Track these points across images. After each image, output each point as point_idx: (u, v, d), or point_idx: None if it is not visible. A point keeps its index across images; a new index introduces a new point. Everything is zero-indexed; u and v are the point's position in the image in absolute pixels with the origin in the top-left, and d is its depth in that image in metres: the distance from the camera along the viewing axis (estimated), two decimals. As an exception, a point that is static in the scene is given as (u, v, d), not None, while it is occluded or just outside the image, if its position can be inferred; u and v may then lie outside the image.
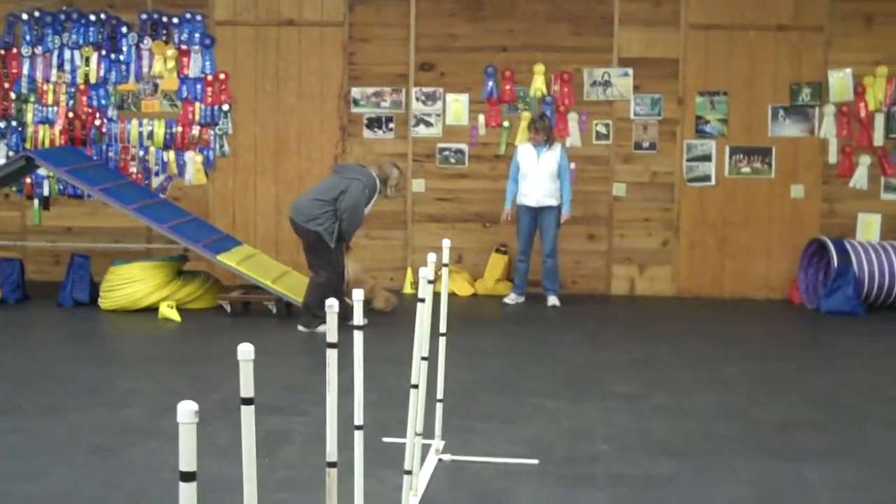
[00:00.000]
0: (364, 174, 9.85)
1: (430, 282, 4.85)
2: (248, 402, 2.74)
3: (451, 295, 11.86)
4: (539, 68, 12.11)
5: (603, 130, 12.17)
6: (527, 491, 5.49)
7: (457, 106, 12.31)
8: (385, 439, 6.08)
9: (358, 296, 3.91)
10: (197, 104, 12.52)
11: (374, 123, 12.45)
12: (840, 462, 6.06)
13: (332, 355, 3.48)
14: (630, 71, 12.06)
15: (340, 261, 9.68)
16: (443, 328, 5.81)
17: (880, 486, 5.63)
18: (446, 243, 5.76)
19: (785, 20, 11.88)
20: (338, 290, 9.46)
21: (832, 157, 11.90)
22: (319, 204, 9.60)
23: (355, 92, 12.42)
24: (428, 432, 5.86)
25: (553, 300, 11.36)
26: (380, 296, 10.61)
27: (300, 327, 9.69)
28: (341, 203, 9.59)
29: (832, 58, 11.85)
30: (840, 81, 11.82)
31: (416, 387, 4.62)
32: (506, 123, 12.23)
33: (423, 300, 4.60)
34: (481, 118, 12.27)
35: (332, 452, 3.48)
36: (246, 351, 2.76)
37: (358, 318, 3.97)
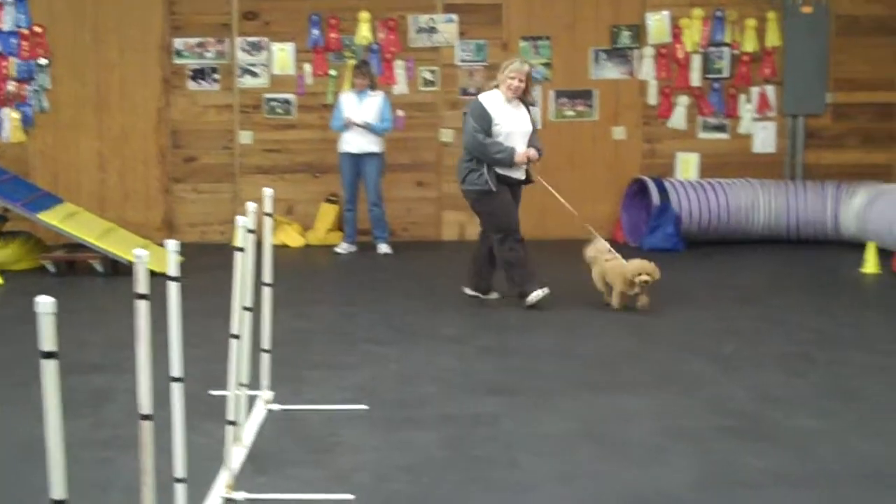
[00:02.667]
0: (471, 104, 8.74)
1: (249, 230, 4.81)
2: (49, 355, 2.69)
3: (283, 246, 11.81)
4: (364, 16, 12.07)
5: (429, 77, 12.22)
6: (356, 435, 5.53)
7: (282, 55, 12.19)
8: (212, 392, 6.03)
9: (171, 246, 3.85)
10: (12, 59, 12.09)
11: (199, 75, 12.23)
12: (660, 392, 6.27)
13: (141, 306, 3.43)
14: (455, 17, 12.12)
15: (508, 214, 8.63)
16: (268, 278, 5.77)
17: (698, 415, 5.84)
18: (268, 192, 5.70)
19: (603, -36, 12.08)
20: (522, 256, 8.69)
21: (652, 99, 12.20)
22: (462, 160, 8.70)
23: (178, 43, 12.17)
24: (257, 383, 5.85)
25: (384, 248, 11.41)
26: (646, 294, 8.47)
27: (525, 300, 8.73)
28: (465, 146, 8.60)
29: (650, 1, 12.11)
30: (658, 24, 12.10)
31: (236, 337, 4.59)
32: (333, 72, 12.17)
33: (241, 249, 4.56)
34: (308, 67, 12.18)
35: (144, 405, 3.44)
36: (45, 304, 2.70)
37: (172, 269, 3.92)
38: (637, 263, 8.35)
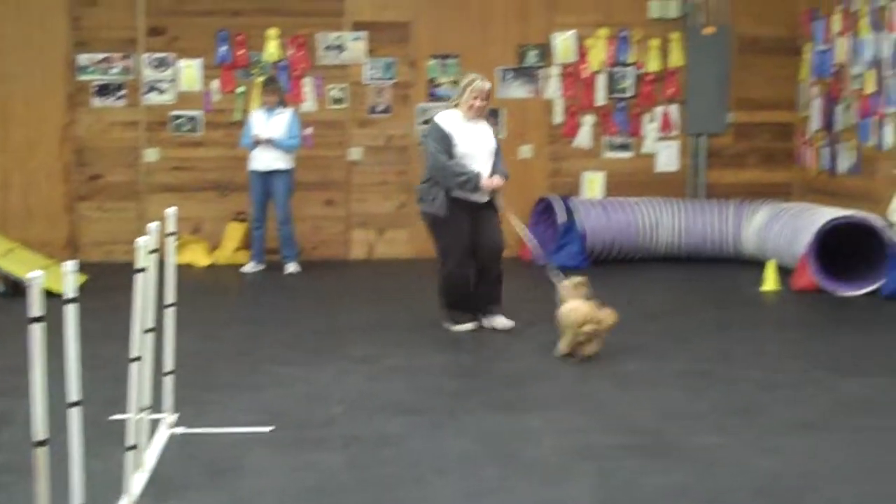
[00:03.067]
0: (429, 126, 8.46)
1: (151, 251, 4.78)
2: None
3: (189, 266, 11.70)
4: (272, 32, 12.05)
5: (338, 95, 12.22)
6: (260, 458, 5.50)
7: (189, 72, 12.10)
8: (113, 417, 5.95)
9: (68, 267, 3.81)
10: None
11: (104, 91, 12.09)
12: (562, 411, 6.33)
13: (35, 329, 3.39)
14: (363, 35, 12.14)
15: (457, 242, 8.22)
16: (171, 299, 5.72)
17: (601, 434, 5.91)
18: (170, 211, 5.66)
19: (511, -16, 12.20)
20: (458, 285, 8.36)
21: (557, 118, 12.33)
22: (421, 181, 8.41)
23: (82, 58, 12.02)
24: (159, 406, 5.79)
25: (291, 267, 11.36)
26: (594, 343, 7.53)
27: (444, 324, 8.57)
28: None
29: (556, 20, 12.26)
30: (564, 43, 12.25)
31: (137, 359, 4.55)
32: (240, 89, 12.11)
33: (141, 270, 4.52)
34: (215, 84, 12.11)
35: (38, 431, 3.40)
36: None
37: (69, 290, 3.88)
38: (584, 311, 7.36)
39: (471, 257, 8.27)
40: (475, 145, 8.15)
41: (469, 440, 5.80)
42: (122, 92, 12.09)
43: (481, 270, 8.35)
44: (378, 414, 6.28)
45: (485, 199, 8.23)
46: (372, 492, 5.04)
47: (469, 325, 8.37)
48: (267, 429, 5.95)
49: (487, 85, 8.22)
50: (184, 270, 11.34)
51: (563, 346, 7.50)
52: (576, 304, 7.44)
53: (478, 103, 8.12)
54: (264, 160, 11.17)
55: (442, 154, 8.03)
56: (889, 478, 5.23)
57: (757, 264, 10.87)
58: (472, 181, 8.03)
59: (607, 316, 7.42)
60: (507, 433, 5.90)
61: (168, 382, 5.86)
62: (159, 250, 5.11)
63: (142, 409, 4.92)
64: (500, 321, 8.42)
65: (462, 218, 8.15)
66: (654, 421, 6.10)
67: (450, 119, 8.16)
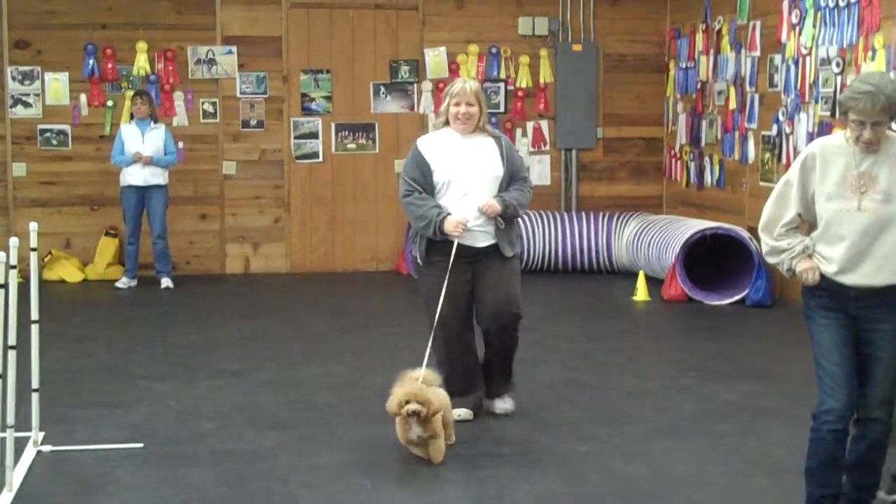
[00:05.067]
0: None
1: (12, 266, 4.70)
2: None
3: (61, 281, 11.49)
4: (141, 46, 11.90)
5: (210, 109, 12.13)
6: (130, 475, 5.44)
7: (56, 85, 11.89)
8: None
9: None
10: None
11: (-33, 105, 11.79)
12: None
13: None
14: (234, 49, 12.08)
15: (436, 299, 6.15)
16: (35, 315, 5.63)
17: (471, 442, 5.97)
18: (33, 226, 5.57)
19: (381, -1, 12.27)
20: (444, 354, 6.38)
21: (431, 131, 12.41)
22: None
23: (-56, 72, 11.72)
24: (26, 424, 5.69)
25: (166, 282, 11.23)
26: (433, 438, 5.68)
27: None
28: None
29: (427, 36, 12.36)
30: (435, 59, 12.35)
31: (1, 377, 4.48)
32: (110, 103, 11.94)
33: (2, 286, 4.45)
34: (83, 98, 11.91)
35: None
36: None
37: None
38: (405, 388, 5.66)
39: (466, 320, 6.39)
40: (463, 170, 6.18)
41: (341, 453, 5.82)
42: (-12, 105, 11.82)
43: (485, 340, 6.50)
44: (250, 428, 6.26)
45: (482, 242, 6.25)
46: (243, 506, 5.03)
47: (462, 413, 6.30)
48: (137, 445, 5.88)
49: (471, 85, 6.24)
50: (55, 286, 11.18)
51: (402, 439, 5.71)
52: (395, 389, 5.72)
53: (462, 109, 6.15)
54: (141, 176, 11.02)
55: (410, 187, 6.21)
56: (750, 480, 5.40)
57: (629, 275, 11.09)
58: (432, 224, 6.11)
59: (432, 395, 5.63)
60: (380, 445, 5.92)
61: (34, 400, 5.75)
62: (23, 265, 5.03)
63: (6, 427, 4.83)
64: (498, 404, 6.52)
65: (443, 269, 6.16)
66: (524, 430, 6.19)
67: (435, 140, 6.28)
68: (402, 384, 5.70)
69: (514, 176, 6.30)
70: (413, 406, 5.53)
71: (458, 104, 6.18)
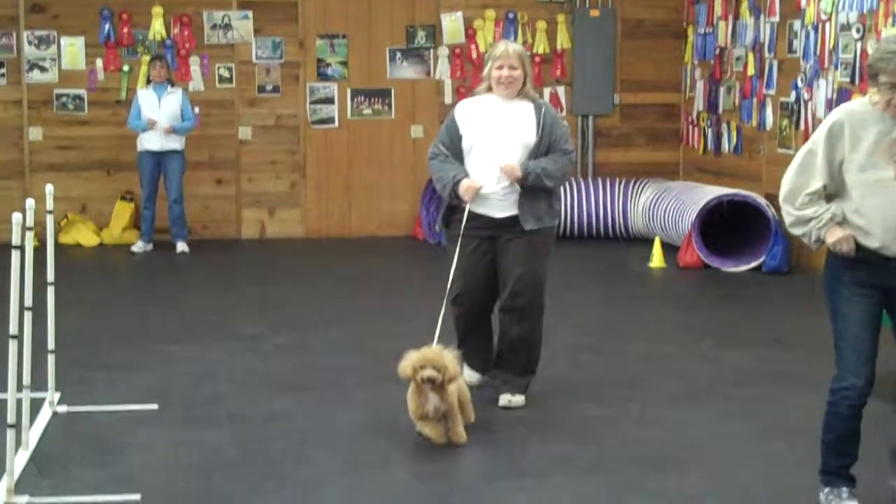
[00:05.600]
0: None
1: (28, 229, 4.71)
2: None
3: (77, 245, 11.51)
4: (157, 10, 11.87)
5: (226, 74, 12.10)
6: (145, 436, 5.46)
7: (72, 50, 11.87)
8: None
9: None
10: None
11: (-16, 69, 11.80)
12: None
13: None
14: (250, 14, 12.03)
15: (459, 271, 5.90)
16: (51, 276, 5.64)
17: (487, 406, 5.96)
18: (49, 188, 5.57)
19: (398, -36, 12.19)
20: (457, 321, 6.08)
21: (447, 98, 12.36)
22: None
23: (-39, 36, 11.71)
24: (42, 385, 5.71)
25: (182, 246, 11.24)
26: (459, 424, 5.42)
27: None
28: None
29: (444, 1, 12.29)
30: (452, 24, 12.28)
31: (15, 337, 4.48)
32: (125, 68, 11.92)
33: (17, 247, 4.44)
34: (99, 62, 11.89)
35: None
36: None
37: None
38: (420, 352, 5.31)
39: (483, 300, 6.06)
40: (491, 136, 5.87)
41: (357, 416, 5.82)
42: (3, 70, 11.81)
43: (500, 327, 6.08)
44: (266, 391, 6.27)
45: (501, 213, 5.87)
46: (257, 468, 5.04)
47: (470, 375, 6.10)
48: (152, 407, 5.90)
49: (514, 48, 5.92)
50: (71, 250, 11.21)
51: (414, 417, 5.39)
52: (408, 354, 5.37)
53: (504, 73, 5.84)
54: (158, 141, 11.03)
55: (437, 150, 5.98)
56: (765, 445, 5.39)
57: (645, 241, 11.05)
58: (447, 186, 5.85)
59: (449, 359, 5.29)
60: (395, 408, 5.91)
61: (50, 361, 5.77)
62: (39, 229, 5.03)
63: (22, 388, 4.84)
64: (505, 398, 5.97)
65: (466, 239, 5.88)
66: (538, 394, 6.17)
67: (473, 105, 6.01)
68: (410, 355, 5.32)
69: (552, 146, 5.87)
70: (429, 372, 5.18)
71: (500, 67, 5.85)
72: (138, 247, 11.28)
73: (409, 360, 5.28)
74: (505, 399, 5.96)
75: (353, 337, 7.63)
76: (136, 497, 4.63)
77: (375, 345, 7.37)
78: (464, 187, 5.78)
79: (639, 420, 5.78)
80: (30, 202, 4.87)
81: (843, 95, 9.26)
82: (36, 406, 5.51)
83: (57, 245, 5.60)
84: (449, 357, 5.29)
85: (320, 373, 6.68)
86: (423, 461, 5.16)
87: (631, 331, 7.88)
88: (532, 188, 5.80)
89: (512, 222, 5.84)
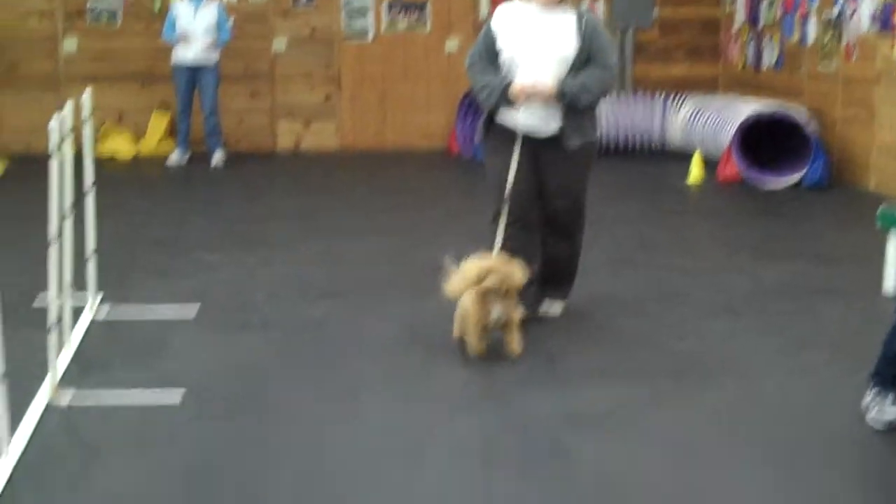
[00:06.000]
0: None
1: (67, 134, 4.70)
2: None
3: (113, 157, 11.53)
4: (192, -81, 11.73)
5: (261, -15, 12.01)
6: (184, 339, 5.50)
7: (107, -40, 11.79)
8: (38, 304, 5.88)
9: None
10: None
11: (19, -22, 11.75)
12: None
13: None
14: (286, -77, 11.91)
15: (497, 179, 5.64)
16: (90, 179, 5.65)
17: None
18: (86, 95, 5.55)
19: None
20: (504, 227, 5.57)
21: (483, 12, 12.21)
22: None
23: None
24: (83, 288, 5.74)
25: (217, 158, 11.24)
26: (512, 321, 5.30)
27: None
28: None
29: (483, -90, 12.11)
30: (490, -66, 12.11)
31: (55, 241, 4.49)
32: (162, -22, 11.86)
33: (55, 151, 4.44)
34: (134, -28, 11.83)
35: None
36: None
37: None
38: (479, 265, 5.18)
39: (530, 205, 5.70)
40: (528, 48, 5.52)
41: (393, 325, 5.82)
42: (39, -20, 11.78)
43: (541, 240, 5.81)
44: (300, 299, 6.28)
45: (543, 129, 5.59)
46: (294, 371, 5.08)
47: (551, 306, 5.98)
48: (191, 312, 5.93)
49: None
50: (108, 162, 11.22)
51: (472, 335, 5.25)
52: (465, 266, 5.27)
53: None
54: (192, 53, 10.97)
55: (475, 57, 5.66)
56: (804, 357, 5.36)
57: (684, 156, 10.94)
58: (493, 95, 5.52)
59: (510, 269, 5.19)
60: (432, 318, 5.91)
61: (91, 265, 5.80)
62: (77, 136, 5.02)
63: (63, 291, 4.87)
64: (544, 307, 5.92)
65: (505, 148, 5.60)
66: (576, 305, 6.14)
67: (510, 13, 5.63)
68: (473, 263, 5.20)
69: (592, 58, 5.51)
70: (493, 280, 5.06)
71: None
72: (174, 159, 11.29)
73: (471, 271, 5.16)
74: (544, 309, 5.93)
75: (388, 248, 7.62)
76: (179, 391, 4.68)
77: (410, 256, 7.36)
78: (517, 88, 5.47)
79: (676, 332, 5.75)
80: (68, 105, 4.85)
81: (887, 11, 9.08)
82: (76, 310, 5.54)
83: (94, 156, 5.62)
84: (512, 266, 5.18)
85: (355, 282, 6.67)
86: (458, 369, 5.16)
87: (670, 245, 7.83)
88: (570, 104, 5.55)
89: (555, 137, 5.60)
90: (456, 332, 5.39)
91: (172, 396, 4.67)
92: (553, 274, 5.91)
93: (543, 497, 3.91)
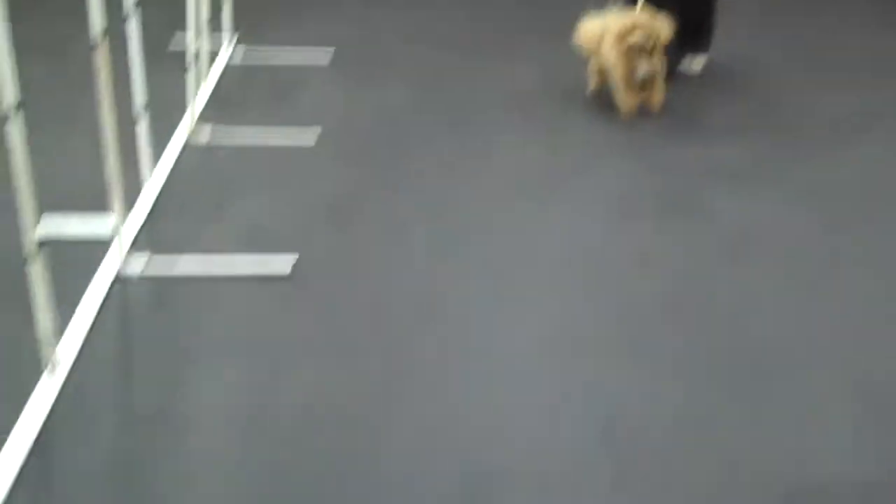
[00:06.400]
0: None
1: None
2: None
3: None
4: None
5: None
6: (321, 82, 5.48)
7: None
8: (174, 48, 5.84)
9: None
10: None
11: None
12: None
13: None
14: None
15: None
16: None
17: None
18: None
19: None
20: None
21: None
22: None
23: None
24: (219, 29, 5.74)
25: None
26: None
27: None
28: None
29: None
30: None
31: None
32: None
33: None
34: None
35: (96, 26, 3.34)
36: None
37: None
38: (628, 18, 5.03)
39: None
40: None
41: (530, 76, 5.68)
42: None
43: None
44: (434, 49, 6.15)
45: None
46: (431, 117, 5.08)
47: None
48: (327, 54, 5.88)
49: None
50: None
51: (621, 93, 5.11)
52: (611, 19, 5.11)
53: None
54: None
55: None
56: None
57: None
58: None
59: (662, 27, 5.00)
60: (573, 70, 5.69)
61: (227, 6, 5.78)
62: None
63: (201, 31, 4.87)
64: (685, 62, 5.72)
65: None
66: (713, 65, 5.87)
67: None
68: (617, 18, 5.05)
69: None
70: (639, 37, 4.89)
71: None
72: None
73: (617, 25, 5.00)
74: (685, 65, 5.72)
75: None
76: (315, 131, 4.74)
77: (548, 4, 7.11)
78: None
79: (821, 90, 5.53)
80: None
81: None
82: (212, 54, 5.55)
83: None
84: (659, 22, 4.99)
85: (490, 32, 6.51)
86: (596, 122, 5.07)
87: (821, 6, 7.43)
88: None
89: None
90: (592, 85, 5.29)
91: (308, 137, 4.72)
92: (691, 26, 5.58)
93: (684, 249, 3.89)
